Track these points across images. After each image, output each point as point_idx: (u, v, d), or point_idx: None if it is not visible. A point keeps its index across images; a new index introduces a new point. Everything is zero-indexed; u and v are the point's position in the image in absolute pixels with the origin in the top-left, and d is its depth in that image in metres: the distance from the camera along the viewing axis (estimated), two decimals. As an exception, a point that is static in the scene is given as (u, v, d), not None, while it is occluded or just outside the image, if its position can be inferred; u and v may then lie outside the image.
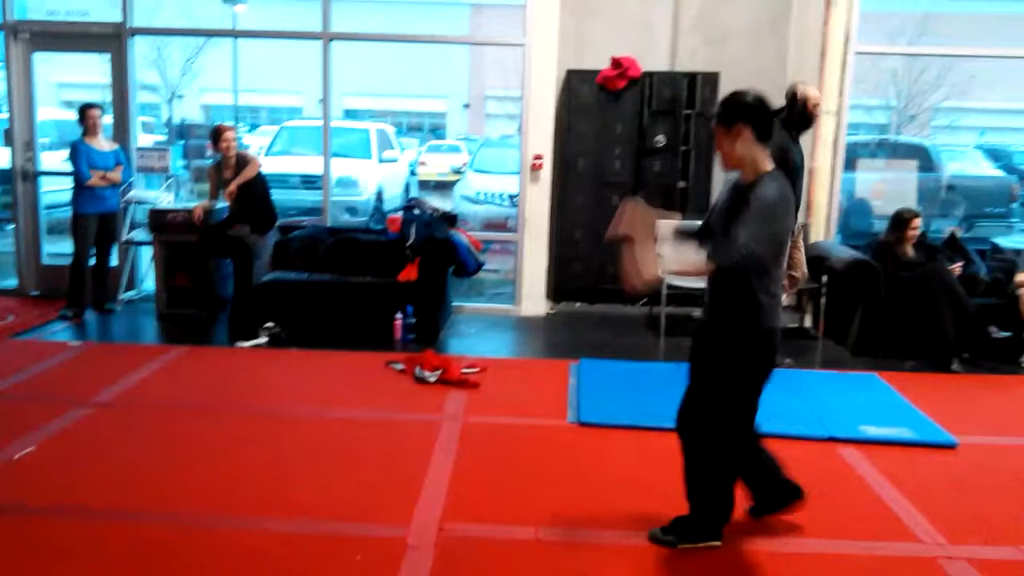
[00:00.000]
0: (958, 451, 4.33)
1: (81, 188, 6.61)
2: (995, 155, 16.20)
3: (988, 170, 14.15)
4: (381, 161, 12.57)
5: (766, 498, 3.38)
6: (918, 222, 6.14)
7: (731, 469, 3.18)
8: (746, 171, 2.99)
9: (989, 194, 12.45)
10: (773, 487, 3.34)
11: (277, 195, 6.51)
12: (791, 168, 5.34)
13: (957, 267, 6.15)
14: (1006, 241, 7.99)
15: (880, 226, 7.06)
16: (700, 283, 6.63)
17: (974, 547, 3.31)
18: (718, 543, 3.20)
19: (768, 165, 2.98)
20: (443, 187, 16.66)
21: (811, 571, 3.12)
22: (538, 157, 7.01)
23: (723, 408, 3.06)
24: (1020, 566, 3.20)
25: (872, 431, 4.48)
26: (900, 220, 6.16)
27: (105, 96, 7.47)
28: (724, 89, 6.94)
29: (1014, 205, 12.45)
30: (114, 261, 7.05)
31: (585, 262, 7.28)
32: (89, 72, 11.38)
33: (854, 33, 6.78)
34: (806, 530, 3.34)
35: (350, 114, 23.66)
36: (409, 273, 6.31)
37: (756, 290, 2.94)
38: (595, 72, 7.02)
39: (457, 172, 16.03)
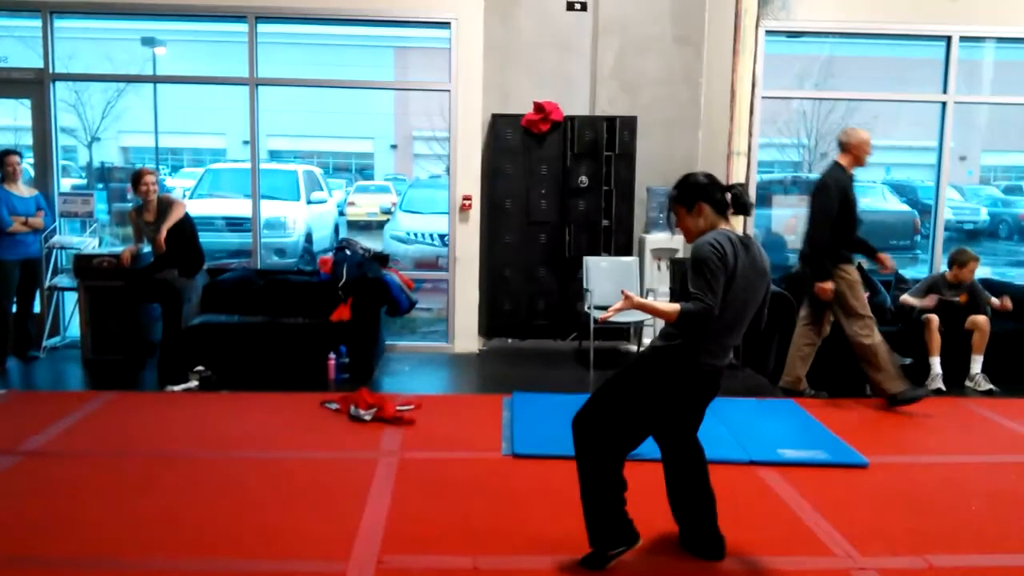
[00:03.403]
0: (869, 470, 4.60)
1: (1, 235, 6.51)
2: (901, 190, 17.09)
3: (895, 205, 14.93)
4: (309, 202, 12.58)
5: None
6: None
7: (607, 485, 3.31)
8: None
9: (894, 228, 13.17)
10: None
11: (203, 238, 6.52)
12: (852, 203, 5.74)
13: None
14: (911, 272, 8.47)
15: (794, 259, 7.44)
16: (628, 318, 6.85)
17: (882, 558, 3.54)
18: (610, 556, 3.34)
19: (722, 224, 3.27)
20: (372, 227, 16.70)
21: (735, 587, 3.30)
22: (467, 198, 7.20)
23: (615, 415, 3.27)
24: (923, 574, 3.43)
25: (790, 454, 4.73)
26: (807, 254, 6.54)
27: (16, 139, 7.38)
28: (642, 132, 7.31)
29: (917, 238, 13.17)
30: (37, 308, 6.91)
31: (515, 299, 7.46)
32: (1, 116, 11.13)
33: (760, 79, 7.20)
34: (729, 548, 3.51)
35: (275, 155, 23.49)
36: (342, 313, 6.38)
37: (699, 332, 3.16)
38: (519, 116, 7.27)
39: (387, 212, 16.11)
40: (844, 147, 5.84)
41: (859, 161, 5.84)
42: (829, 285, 5.70)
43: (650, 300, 3.28)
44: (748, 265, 3.20)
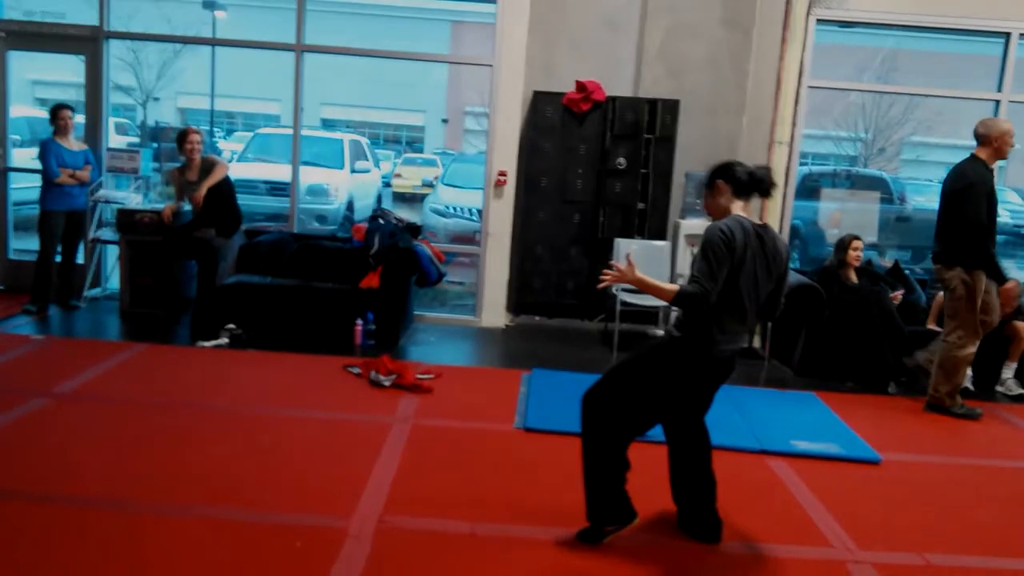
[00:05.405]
0: (881, 466, 4.56)
1: (49, 185, 6.73)
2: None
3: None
4: (353, 171, 12.73)
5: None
6: (858, 244, 6.42)
7: (608, 463, 3.35)
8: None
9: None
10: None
11: (245, 200, 6.65)
12: (995, 203, 5.31)
13: (898, 295, 6.43)
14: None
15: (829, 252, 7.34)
16: (656, 302, 6.83)
17: (881, 553, 3.52)
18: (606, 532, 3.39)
19: (739, 208, 3.28)
20: (415, 199, 16.84)
21: (726, 570, 3.32)
22: (502, 173, 7.23)
23: (625, 397, 3.31)
24: (920, 571, 3.41)
25: (802, 446, 4.71)
26: (841, 244, 6.46)
27: (78, 95, 7.60)
28: (684, 116, 7.24)
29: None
30: (80, 259, 7.14)
31: (545, 277, 7.48)
32: (63, 71, 11.42)
33: (807, 69, 7.08)
34: (727, 533, 3.53)
35: (327, 124, 23.75)
36: (371, 280, 6.48)
37: (706, 320, 3.19)
38: (561, 94, 7.25)
39: (428, 185, 16.23)
40: (983, 139, 5.32)
41: (1001, 154, 5.32)
42: (1013, 283, 5.33)
43: (653, 280, 3.23)
44: (759, 254, 3.20)
